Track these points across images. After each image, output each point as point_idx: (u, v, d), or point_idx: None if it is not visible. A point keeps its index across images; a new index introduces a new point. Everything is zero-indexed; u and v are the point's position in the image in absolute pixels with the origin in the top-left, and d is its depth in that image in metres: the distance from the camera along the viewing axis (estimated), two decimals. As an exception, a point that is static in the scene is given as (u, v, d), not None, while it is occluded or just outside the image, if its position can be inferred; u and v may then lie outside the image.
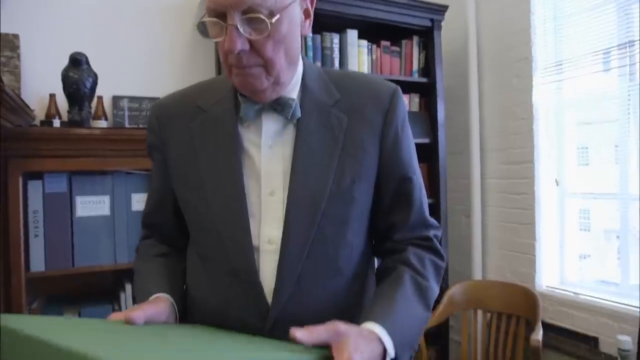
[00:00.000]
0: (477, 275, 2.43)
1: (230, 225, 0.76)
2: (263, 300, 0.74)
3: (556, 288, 2.17)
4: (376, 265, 0.89)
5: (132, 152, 1.62)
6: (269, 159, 0.77)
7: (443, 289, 2.25)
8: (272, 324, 0.74)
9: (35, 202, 1.59)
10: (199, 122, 0.80)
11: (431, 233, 0.85)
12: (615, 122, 1.97)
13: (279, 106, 0.76)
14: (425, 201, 0.86)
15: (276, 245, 0.75)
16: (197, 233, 0.83)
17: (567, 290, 2.12)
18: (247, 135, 0.79)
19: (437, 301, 2.16)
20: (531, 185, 2.19)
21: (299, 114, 0.77)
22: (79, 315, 1.64)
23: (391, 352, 0.66)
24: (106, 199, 1.67)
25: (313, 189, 0.75)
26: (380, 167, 0.80)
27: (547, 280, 2.20)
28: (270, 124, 0.78)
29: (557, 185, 2.20)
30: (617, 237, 2.03)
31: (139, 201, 1.70)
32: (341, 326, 0.63)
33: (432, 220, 0.87)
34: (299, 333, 0.60)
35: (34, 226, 1.59)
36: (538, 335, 1.83)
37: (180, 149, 0.81)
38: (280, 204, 0.76)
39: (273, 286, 0.74)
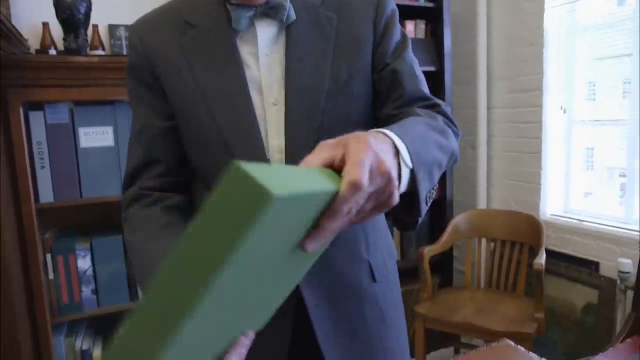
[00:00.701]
0: (482, 205, 2.45)
1: (241, 138, 0.73)
2: None
3: (560, 216, 2.19)
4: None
5: (132, 80, 1.58)
6: (267, 67, 0.75)
7: (447, 218, 2.28)
8: None
9: (39, 133, 1.58)
10: (190, 38, 0.76)
11: (436, 100, 0.78)
12: (628, 57, 1.91)
13: (271, 10, 0.73)
14: (423, 81, 0.79)
15: (284, 154, 0.74)
16: (202, 156, 0.78)
17: (571, 218, 2.14)
18: (242, 46, 0.75)
19: (441, 229, 2.19)
20: (539, 114, 2.16)
21: (294, 15, 0.74)
22: (91, 246, 1.68)
23: (404, 153, 0.53)
24: (109, 130, 1.66)
25: (310, 91, 0.73)
26: (373, 59, 0.77)
27: (551, 209, 2.22)
28: (264, 31, 0.75)
29: (564, 113, 2.17)
30: (620, 175, 2.03)
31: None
32: (338, 138, 0.50)
33: (438, 99, 0.79)
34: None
35: (39, 157, 1.59)
36: (541, 259, 1.87)
37: (170, 66, 0.76)
38: (281, 112, 0.74)
39: None
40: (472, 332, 1.90)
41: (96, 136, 1.65)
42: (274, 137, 0.75)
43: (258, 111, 0.74)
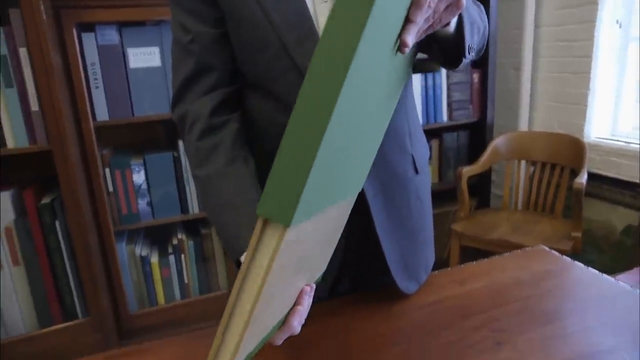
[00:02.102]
0: (523, 129, 2.41)
1: (297, 36, 0.71)
2: None
3: (606, 138, 2.13)
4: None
5: None
6: None
7: (487, 141, 2.27)
8: None
9: (91, 54, 1.66)
10: None
11: None
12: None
13: None
14: None
15: None
16: (257, 60, 0.75)
17: (618, 140, 2.08)
18: None
19: (481, 153, 2.19)
20: (591, 30, 2.05)
21: None
22: (144, 161, 1.80)
23: None
24: (156, 50, 1.72)
25: None
26: None
27: (596, 131, 2.16)
28: None
29: (620, 27, 2.04)
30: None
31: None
32: None
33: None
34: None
35: (93, 78, 1.68)
36: (582, 178, 1.86)
37: None
38: None
39: None
40: (507, 249, 1.95)
41: (144, 56, 1.71)
42: None
43: (310, 7, 0.72)
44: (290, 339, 0.65)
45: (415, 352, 0.71)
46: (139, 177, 1.80)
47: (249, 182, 0.71)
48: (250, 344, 0.50)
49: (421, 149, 0.89)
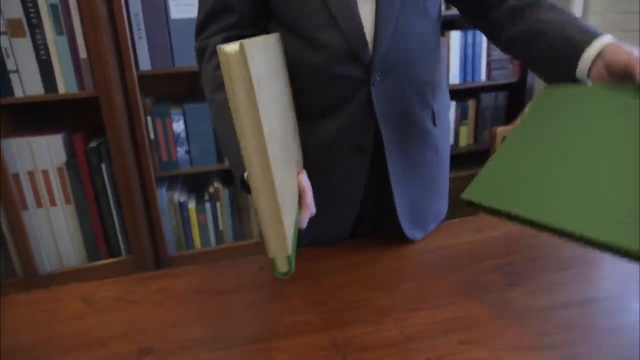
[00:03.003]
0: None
1: None
2: (366, 53, 0.76)
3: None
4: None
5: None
6: None
7: (526, 102, 2.22)
8: (377, 72, 0.77)
9: (135, 4, 1.71)
10: None
11: None
12: None
13: None
14: None
15: (374, 15, 0.76)
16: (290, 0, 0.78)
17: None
18: None
19: (519, 113, 2.15)
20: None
21: None
22: (183, 111, 1.87)
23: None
24: (196, 2, 1.75)
25: None
26: None
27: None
28: None
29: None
30: None
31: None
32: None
33: None
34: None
35: (137, 28, 1.74)
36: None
37: None
38: None
39: (372, 36, 0.76)
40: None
41: (185, 7, 1.76)
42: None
43: None
44: (307, 272, 0.71)
45: (424, 289, 0.76)
46: (178, 126, 1.88)
47: None
48: (289, 219, 0.61)
49: (442, 103, 0.91)
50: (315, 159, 0.83)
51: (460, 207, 1.07)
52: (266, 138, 0.55)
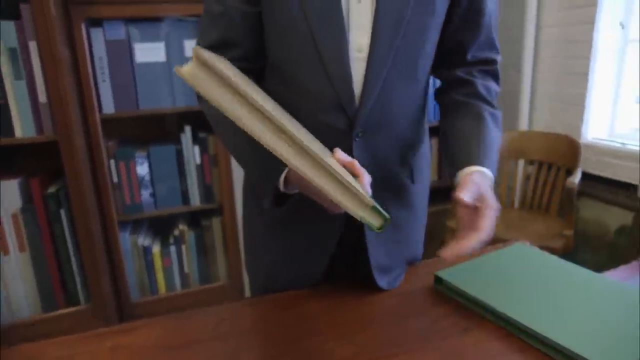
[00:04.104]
0: (523, 128, 2.44)
1: (328, 32, 0.75)
2: (352, 106, 0.77)
3: (603, 139, 2.16)
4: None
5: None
6: None
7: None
8: (360, 126, 0.79)
9: (99, 48, 1.71)
10: None
11: (497, 57, 0.90)
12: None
13: None
14: (496, 24, 0.87)
15: (364, 53, 0.77)
16: (284, 45, 0.79)
17: (614, 141, 2.11)
18: None
19: (479, 151, 2.22)
20: (591, 32, 2.07)
21: None
22: (148, 154, 1.85)
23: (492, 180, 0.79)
24: (161, 46, 1.77)
25: None
26: None
27: (594, 132, 2.18)
28: None
29: (623, 28, 2.07)
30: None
31: (192, 47, 1.79)
32: (480, 187, 0.73)
33: (497, 44, 0.89)
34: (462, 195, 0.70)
35: (100, 72, 1.74)
36: (575, 178, 1.89)
37: None
38: (367, 12, 0.76)
39: (360, 92, 0.78)
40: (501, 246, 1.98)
41: (149, 51, 1.77)
42: (357, 34, 0.77)
43: (343, 6, 0.76)
44: (273, 321, 0.69)
45: (385, 336, 0.75)
46: (142, 169, 1.86)
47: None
48: (352, 179, 0.63)
49: (422, 159, 0.93)
50: (293, 203, 0.82)
51: (429, 245, 1.08)
52: (281, 118, 0.55)
